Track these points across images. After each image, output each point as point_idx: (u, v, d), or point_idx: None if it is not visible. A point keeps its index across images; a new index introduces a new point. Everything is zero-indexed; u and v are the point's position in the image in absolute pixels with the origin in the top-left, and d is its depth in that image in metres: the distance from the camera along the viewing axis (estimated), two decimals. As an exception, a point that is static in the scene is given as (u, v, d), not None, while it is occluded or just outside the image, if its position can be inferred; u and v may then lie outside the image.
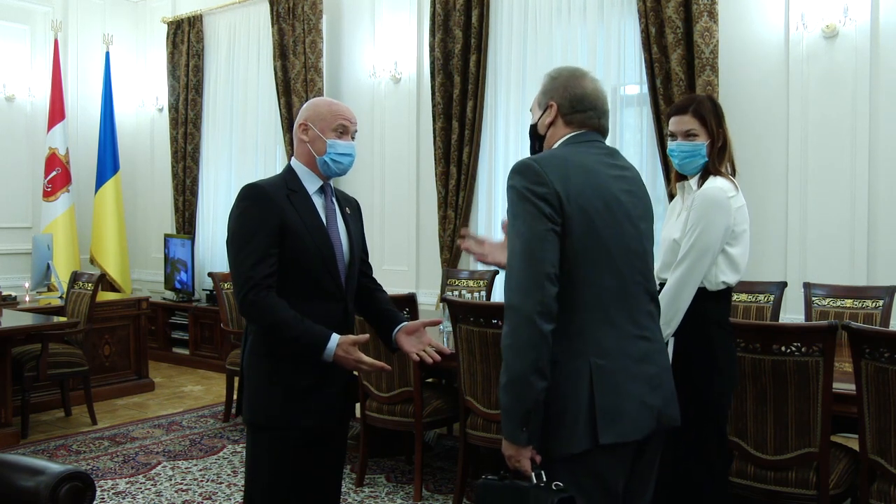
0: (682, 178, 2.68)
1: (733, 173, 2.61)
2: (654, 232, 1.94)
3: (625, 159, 1.90)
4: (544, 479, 1.66)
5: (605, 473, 1.70)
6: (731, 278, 2.54)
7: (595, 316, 1.70)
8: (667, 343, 2.43)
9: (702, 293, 2.49)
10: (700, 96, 2.67)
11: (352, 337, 2.23)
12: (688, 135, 2.56)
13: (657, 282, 2.49)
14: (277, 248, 2.20)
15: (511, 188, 1.73)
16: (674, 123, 2.61)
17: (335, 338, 2.20)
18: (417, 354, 2.31)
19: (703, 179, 2.56)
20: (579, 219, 1.68)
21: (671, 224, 2.64)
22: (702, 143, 2.55)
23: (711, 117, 2.56)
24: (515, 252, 1.68)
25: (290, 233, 2.21)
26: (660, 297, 2.40)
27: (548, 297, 1.64)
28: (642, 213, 1.84)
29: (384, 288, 2.64)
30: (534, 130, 1.93)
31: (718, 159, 2.56)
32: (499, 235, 2.10)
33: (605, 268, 1.71)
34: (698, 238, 2.46)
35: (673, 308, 2.44)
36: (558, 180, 1.69)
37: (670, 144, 2.63)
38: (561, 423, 1.68)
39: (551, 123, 1.87)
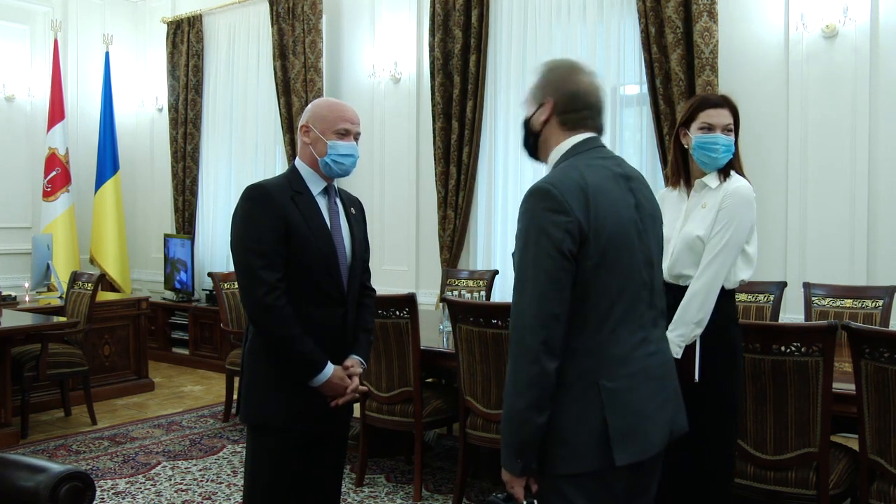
0: (681, 173, 2.66)
1: None
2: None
3: (629, 165, 1.85)
4: None
5: (613, 484, 1.70)
6: (747, 275, 2.55)
7: (604, 337, 1.68)
8: (693, 343, 2.43)
9: (721, 291, 2.48)
10: (728, 95, 2.66)
11: (350, 370, 2.31)
12: (727, 129, 2.53)
13: (670, 280, 2.49)
14: (284, 250, 2.20)
15: (526, 213, 1.67)
16: (713, 116, 2.53)
17: (330, 368, 2.24)
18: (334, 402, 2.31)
19: (723, 176, 2.54)
20: (595, 245, 1.65)
21: (668, 219, 2.62)
22: (733, 138, 2.55)
23: (738, 117, 2.58)
24: (525, 284, 1.65)
25: (293, 234, 2.21)
26: (690, 295, 2.42)
27: (555, 336, 1.62)
28: (650, 226, 1.80)
29: (383, 288, 2.64)
30: (526, 125, 1.87)
31: (738, 157, 2.57)
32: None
33: (615, 290, 1.69)
34: (731, 237, 2.45)
35: (705, 307, 2.43)
36: (579, 208, 1.64)
37: (708, 136, 2.52)
38: (572, 445, 1.67)
39: (546, 121, 1.82)
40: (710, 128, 2.53)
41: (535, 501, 1.72)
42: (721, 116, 2.54)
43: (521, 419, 1.63)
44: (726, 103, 2.57)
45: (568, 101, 1.80)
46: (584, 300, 1.66)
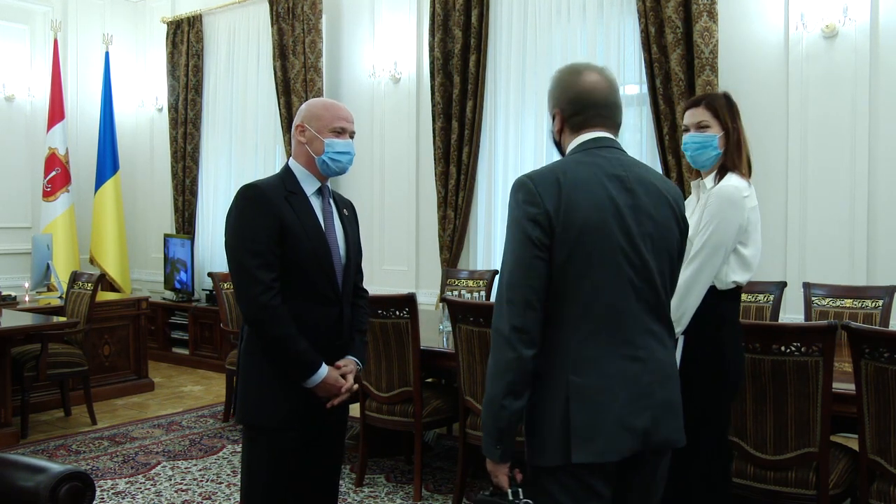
0: (700, 174, 2.68)
1: (749, 172, 2.59)
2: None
3: (633, 167, 1.79)
4: (521, 497, 1.71)
5: (589, 481, 1.68)
6: (742, 278, 2.52)
7: (578, 334, 1.68)
8: (675, 342, 2.42)
9: (712, 292, 2.47)
10: (715, 92, 2.67)
11: (343, 370, 2.31)
12: (699, 126, 2.56)
13: None
14: (279, 250, 2.20)
15: (509, 205, 1.75)
16: (687, 116, 2.61)
17: (324, 369, 2.24)
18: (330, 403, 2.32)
19: (719, 177, 2.54)
20: (568, 237, 1.66)
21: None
22: (713, 134, 2.53)
23: (725, 111, 2.55)
24: (505, 273, 1.72)
25: (287, 234, 2.21)
26: None
27: (528, 323, 1.66)
28: (648, 229, 1.74)
29: (383, 289, 2.64)
30: (552, 135, 1.92)
31: (736, 156, 2.54)
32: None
33: (593, 286, 1.68)
34: (710, 236, 2.44)
35: (682, 306, 2.42)
36: (550, 199, 1.67)
37: (683, 138, 2.62)
38: (537, 436, 1.70)
39: (560, 131, 1.87)
40: (686, 129, 2.62)
41: (521, 490, 1.72)
42: (692, 116, 2.60)
43: (497, 405, 1.67)
44: (702, 101, 2.60)
45: (572, 106, 1.83)
46: (558, 296, 1.68)
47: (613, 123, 1.84)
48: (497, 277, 5.06)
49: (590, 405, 1.66)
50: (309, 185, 2.31)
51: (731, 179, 2.51)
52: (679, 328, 2.43)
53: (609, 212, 1.70)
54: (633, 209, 1.73)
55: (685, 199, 2.74)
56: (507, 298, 1.68)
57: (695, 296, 2.43)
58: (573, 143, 1.83)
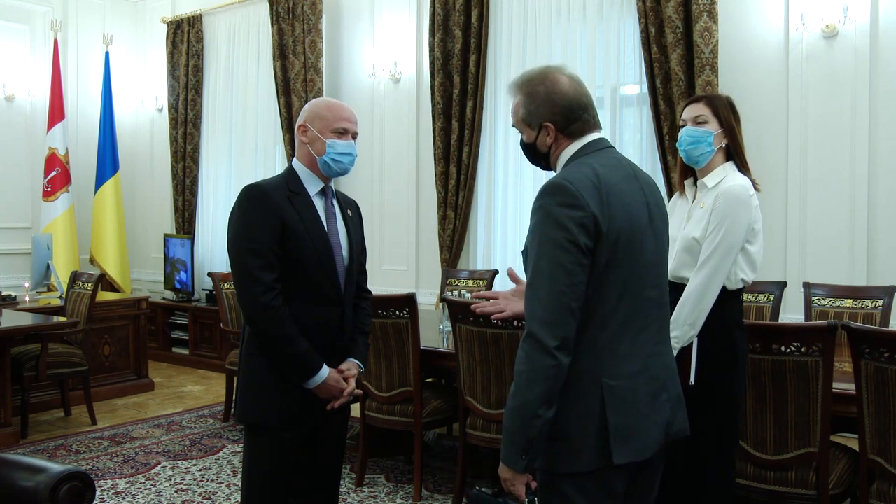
0: (686, 175, 2.66)
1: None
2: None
3: (638, 167, 1.86)
4: None
5: (612, 484, 1.70)
6: (750, 276, 2.52)
7: (608, 336, 1.68)
8: (689, 344, 2.43)
9: (721, 292, 2.46)
10: (718, 94, 2.67)
11: (345, 374, 2.31)
12: (696, 121, 2.53)
13: (674, 280, 2.47)
14: (281, 250, 2.20)
15: (541, 209, 1.66)
16: (686, 111, 2.59)
17: (325, 371, 2.24)
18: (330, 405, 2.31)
19: (720, 176, 2.52)
20: (608, 243, 1.65)
21: (676, 221, 2.62)
22: (710, 131, 2.51)
23: (725, 110, 2.54)
24: (541, 278, 1.63)
25: (290, 235, 2.21)
26: (684, 297, 2.40)
27: (569, 331, 1.62)
28: (660, 225, 1.81)
29: (383, 288, 2.64)
30: (533, 148, 1.86)
31: (738, 154, 2.53)
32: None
33: (623, 288, 1.69)
34: (724, 237, 2.42)
35: (698, 309, 2.41)
36: (595, 203, 1.64)
37: (680, 132, 2.59)
38: (570, 442, 1.67)
39: (553, 141, 1.82)
40: (683, 123, 2.59)
41: (536, 499, 1.69)
42: (691, 111, 2.57)
43: (531, 414, 1.60)
44: (703, 98, 2.59)
45: (566, 116, 1.79)
46: (592, 297, 1.66)
47: (598, 122, 1.85)
48: (496, 277, 5.06)
49: (625, 406, 1.67)
50: (312, 186, 2.31)
51: (737, 178, 2.50)
52: (693, 331, 2.42)
53: (638, 216, 1.73)
54: (649, 209, 1.77)
55: (674, 198, 2.74)
56: (548, 305, 1.61)
57: (709, 298, 2.42)
58: (572, 149, 1.80)
